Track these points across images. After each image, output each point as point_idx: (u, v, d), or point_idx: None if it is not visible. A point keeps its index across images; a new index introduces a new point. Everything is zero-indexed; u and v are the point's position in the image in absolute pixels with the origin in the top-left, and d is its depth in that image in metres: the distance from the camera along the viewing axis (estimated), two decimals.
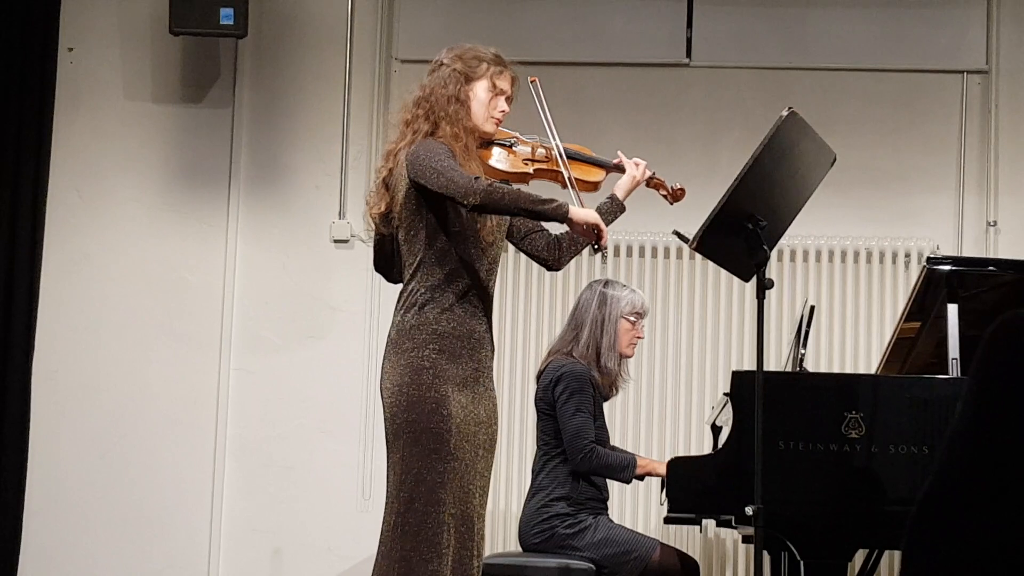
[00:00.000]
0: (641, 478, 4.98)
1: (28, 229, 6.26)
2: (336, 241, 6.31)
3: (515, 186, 3.98)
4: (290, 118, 6.40)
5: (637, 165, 4.12)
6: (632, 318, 4.96)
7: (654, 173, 4.17)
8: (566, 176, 4.02)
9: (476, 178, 3.76)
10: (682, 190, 4.20)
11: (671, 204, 4.24)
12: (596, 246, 3.83)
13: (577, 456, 4.82)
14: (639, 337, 5.02)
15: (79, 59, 6.41)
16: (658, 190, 4.20)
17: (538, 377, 5.01)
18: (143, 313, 6.30)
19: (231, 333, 6.29)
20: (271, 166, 6.38)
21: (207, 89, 6.41)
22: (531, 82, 4.05)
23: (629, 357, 5.04)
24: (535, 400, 4.99)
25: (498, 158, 4.02)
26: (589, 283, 5.13)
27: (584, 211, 3.83)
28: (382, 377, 3.90)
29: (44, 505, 6.23)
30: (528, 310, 6.23)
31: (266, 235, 6.35)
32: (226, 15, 5.99)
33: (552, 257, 4.13)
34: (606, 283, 5.03)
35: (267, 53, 6.42)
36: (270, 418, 6.26)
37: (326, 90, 6.39)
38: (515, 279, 6.22)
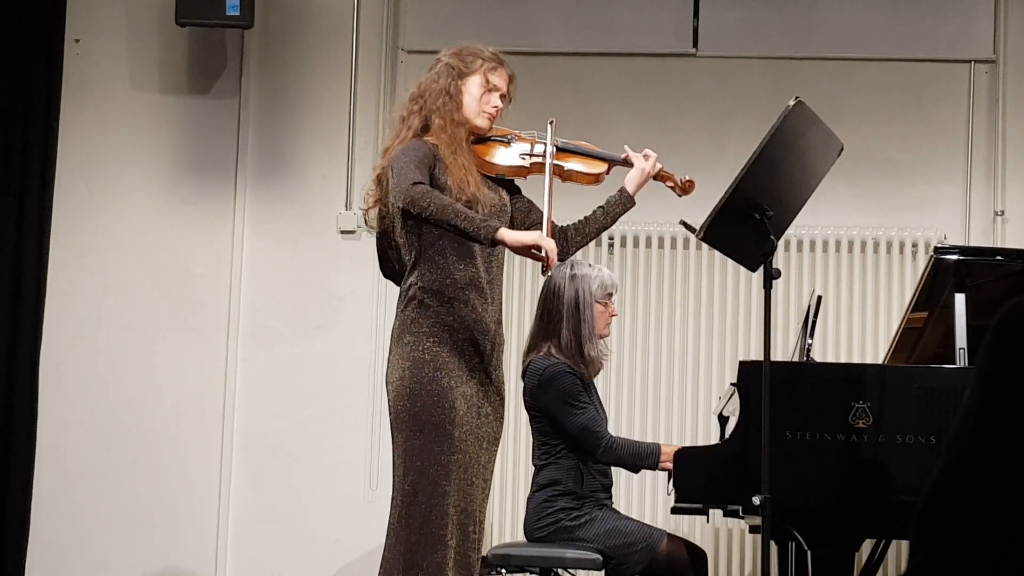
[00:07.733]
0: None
1: (35, 220, 6.26)
2: (343, 232, 6.31)
3: (514, 180, 4.04)
4: (297, 109, 6.39)
5: (647, 157, 4.10)
6: (604, 300, 4.82)
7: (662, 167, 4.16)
8: (562, 168, 4.03)
9: (416, 182, 3.73)
10: (691, 183, 4.18)
11: (679, 196, 4.22)
12: (543, 268, 3.77)
13: (598, 449, 4.71)
14: (613, 315, 4.88)
15: (85, 50, 6.40)
16: (665, 182, 4.18)
17: (523, 375, 4.87)
18: (150, 304, 6.30)
19: (238, 324, 6.29)
20: (278, 157, 6.38)
21: (214, 80, 6.41)
22: (550, 123, 4.04)
23: (607, 336, 4.89)
24: (524, 402, 4.87)
25: (494, 153, 4.03)
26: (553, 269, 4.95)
27: (519, 233, 3.76)
28: (387, 370, 3.96)
29: (51, 496, 6.23)
30: (533, 305, 6.21)
31: (273, 226, 6.35)
32: (232, 6, 5.99)
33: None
34: (571, 266, 4.81)
35: (274, 44, 6.41)
36: (277, 409, 6.27)
37: (333, 80, 6.38)
38: (521, 275, 6.21)
